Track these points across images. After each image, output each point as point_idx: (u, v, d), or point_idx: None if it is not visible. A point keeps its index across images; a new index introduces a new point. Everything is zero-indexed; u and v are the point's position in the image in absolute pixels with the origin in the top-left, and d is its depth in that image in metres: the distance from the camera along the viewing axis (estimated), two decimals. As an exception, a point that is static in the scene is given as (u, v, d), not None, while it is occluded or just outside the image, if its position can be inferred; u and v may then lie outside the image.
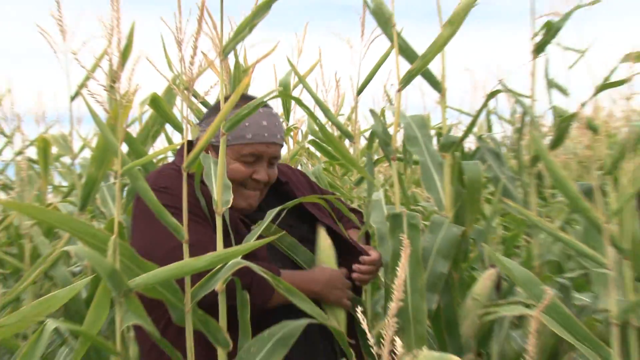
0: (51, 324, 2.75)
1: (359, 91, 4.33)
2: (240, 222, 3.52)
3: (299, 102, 4.80)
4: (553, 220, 4.80)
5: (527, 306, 3.16)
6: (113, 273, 2.71)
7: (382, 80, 4.35)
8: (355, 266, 3.69)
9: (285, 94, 4.89)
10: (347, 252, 3.77)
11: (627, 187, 2.94)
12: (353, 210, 4.15)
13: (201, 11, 2.91)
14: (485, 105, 4.58)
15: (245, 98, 3.34)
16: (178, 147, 3.61)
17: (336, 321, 3.60)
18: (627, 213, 2.90)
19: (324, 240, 3.75)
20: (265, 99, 3.39)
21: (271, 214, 3.36)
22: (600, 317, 3.42)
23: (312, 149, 5.65)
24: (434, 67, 4.03)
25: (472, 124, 4.52)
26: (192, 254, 2.93)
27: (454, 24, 3.83)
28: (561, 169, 3.19)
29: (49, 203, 4.55)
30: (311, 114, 4.68)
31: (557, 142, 4.22)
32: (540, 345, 2.56)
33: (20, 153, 4.93)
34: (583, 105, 4.17)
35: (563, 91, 4.25)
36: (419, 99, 6.83)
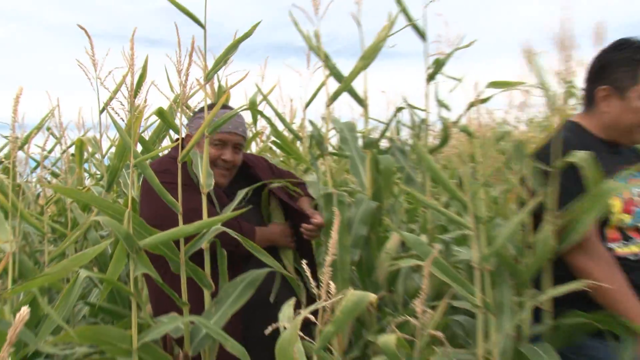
0: (83, 273, 2.78)
1: (306, 106, 4.39)
2: (223, 193, 3.61)
3: (262, 114, 4.86)
4: (441, 197, 4.88)
5: (421, 258, 3.19)
6: (127, 236, 2.78)
7: (322, 99, 4.34)
8: (303, 225, 3.77)
9: (253, 108, 4.91)
10: (297, 216, 3.87)
11: (483, 173, 3.01)
12: (302, 183, 4.17)
13: (191, 49, 3.00)
14: (394, 116, 4.65)
15: (225, 107, 3.53)
16: (174, 145, 3.65)
17: (286, 258, 3.79)
18: (481, 192, 2.97)
19: (274, 206, 3.90)
20: (238, 111, 3.52)
21: (241, 192, 3.43)
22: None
23: (274, 147, 5.67)
24: (359, 89, 4.10)
25: (385, 130, 4.65)
26: (190, 216, 3.07)
27: (365, 59, 3.92)
28: (434, 162, 3.25)
29: (85, 186, 4.57)
30: (271, 123, 4.76)
31: (443, 143, 4.27)
32: (430, 284, 2.60)
33: (65, 151, 4.95)
34: (460, 116, 4.25)
35: (446, 107, 4.31)
36: (349, 112, 6.85)
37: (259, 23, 3.23)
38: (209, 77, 3.26)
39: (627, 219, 2.99)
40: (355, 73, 3.98)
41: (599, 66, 3.10)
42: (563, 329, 3.15)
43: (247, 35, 3.23)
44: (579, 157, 2.89)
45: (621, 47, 3.03)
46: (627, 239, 3.00)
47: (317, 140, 4.21)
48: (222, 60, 3.25)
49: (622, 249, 3.00)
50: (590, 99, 3.13)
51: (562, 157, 2.93)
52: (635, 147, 3.29)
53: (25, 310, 1.26)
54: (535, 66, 3.25)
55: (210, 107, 3.42)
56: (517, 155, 3.22)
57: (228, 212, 3.20)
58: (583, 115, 3.20)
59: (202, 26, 3.16)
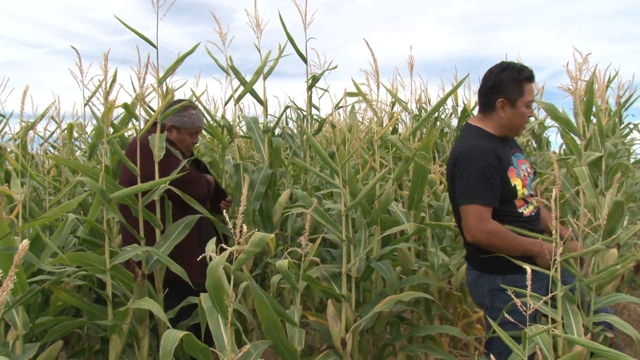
0: (71, 215, 2.67)
1: (225, 104, 4.28)
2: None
3: (196, 106, 4.75)
4: (315, 166, 4.85)
5: (305, 207, 3.13)
6: (101, 191, 2.68)
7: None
8: (222, 202, 3.75)
9: (190, 103, 4.77)
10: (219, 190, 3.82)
11: (347, 153, 2.93)
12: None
13: (147, 63, 2.95)
14: (283, 112, 4.64)
15: (175, 102, 3.44)
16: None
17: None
18: (347, 163, 2.91)
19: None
20: (181, 104, 3.36)
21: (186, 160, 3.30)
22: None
23: (203, 131, 5.51)
24: (261, 95, 4.05)
25: (278, 120, 4.59)
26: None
27: (258, 73, 3.92)
28: (317, 143, 3.18)
29: (74, 156, 4.38)
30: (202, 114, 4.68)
31: (317, 131, 4.26)
32: (310, 225, 2.52)
33: (62, 132, 4.71)
34: (328, 115, 4.24)
35: (317, 108, 4.35)
36: (255, 109, 6.73)
37: (198, 45, 3.18)
38: (160, 82, 3.13)
39: (525, 191, 2.94)
40: (252, 82, 3.97)
41: (492, 84, 2.99)
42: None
43: (189, 52, 3.13)
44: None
45: (505, 69, 2.95)
46: (527, 203, 2.96)
47: (228, 128, 4.23)
48: (172, 70, 3.13)
49: (526, 210, 2.94)
50: (488, 107, 3.01)
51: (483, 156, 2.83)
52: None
53: (26, 242, 1.27)
54: (359, 89, 3.43)
55: (174, 103, 3.40)
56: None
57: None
58: (481, 118, 3.07)
59: (155, 46, 3.04)
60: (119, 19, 2.96)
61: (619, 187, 3.69)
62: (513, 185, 2.89)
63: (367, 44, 3.10)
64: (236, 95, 4.04)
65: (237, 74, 3.94)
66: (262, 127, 4.09)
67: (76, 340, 3.57)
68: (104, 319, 2.82)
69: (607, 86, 4.16)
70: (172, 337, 2.17)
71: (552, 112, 3.57)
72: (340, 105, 4.22)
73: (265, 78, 4.00)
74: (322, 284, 2.86)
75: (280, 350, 2.41)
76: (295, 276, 2.57)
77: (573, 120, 3.58)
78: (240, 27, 3.75)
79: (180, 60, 3.11)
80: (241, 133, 4.22)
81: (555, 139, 11.29)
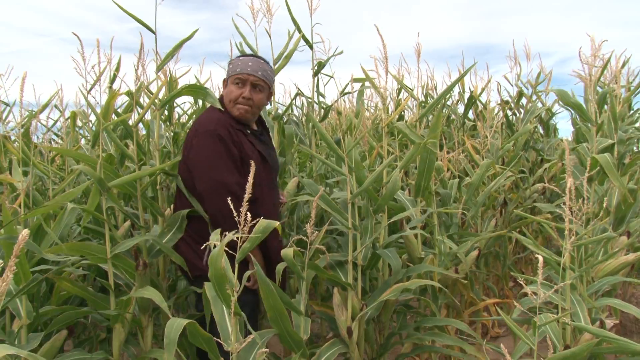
0: (70, 205, 2.69)
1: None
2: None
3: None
4: (321, 154, 4.82)
5: (311, 195, 3.10)
6: (99, 179, 2.65)
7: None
8: None
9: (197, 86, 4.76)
10: None
11: (354, 139, 2.87)
12: None
13: (141, 49, 2.92)
14: (292, 101, 4.59)
15: (253, 56, 3.20)
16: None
17: None
18: (354, 150, 2.86)
19: None
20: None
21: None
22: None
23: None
24: None
25: (287, 109, 4.59)
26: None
27: (287, 57, 3.86)
28: (324, 130, 3.13)
29: (79, 145, 4.33)
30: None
31: (324, 118, 4.21)
32: (315, 212, 2.47)
33: (66, 120, 4.69)
34: (333, 102, 4.21)
35: (323, 95, 4.32)
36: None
37: (196, 30, 3.03)
38: (159, 68, 3.07)
39: None
40: (281, 66, 3.87)
41: None
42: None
43: (187, 38, 3.01)
44: None
45: None
46: None
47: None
48: (171, 56, 3.04)
49: None
50: None
51: None
52: None
53: (26, 231, 1.25)
54: (367, 75, 3.35)
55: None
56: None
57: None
58: None
59: (153, 32, 2.99)
60: (116, 4, 2.89)
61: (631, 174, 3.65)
62: None
63: (378, 29, 3.02)
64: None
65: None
66: (271, 114, 4.05)
67: (81, 329, 3.54)
68: (108, 308, 2.78)
69: (619, 72, 4.10)
70: (176, 325, 2.11)
71: (564, 97, 3.50)
72: (346, 91, 4.17)
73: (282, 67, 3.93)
74: (327, 272, 2.82)
75: (285, 339, 2.37)
76: (300, 265, 2.52)
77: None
78: (245, 15, 3.69)
79: (179, 46, 3.04)
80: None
81: (562, 126, 11.23)
